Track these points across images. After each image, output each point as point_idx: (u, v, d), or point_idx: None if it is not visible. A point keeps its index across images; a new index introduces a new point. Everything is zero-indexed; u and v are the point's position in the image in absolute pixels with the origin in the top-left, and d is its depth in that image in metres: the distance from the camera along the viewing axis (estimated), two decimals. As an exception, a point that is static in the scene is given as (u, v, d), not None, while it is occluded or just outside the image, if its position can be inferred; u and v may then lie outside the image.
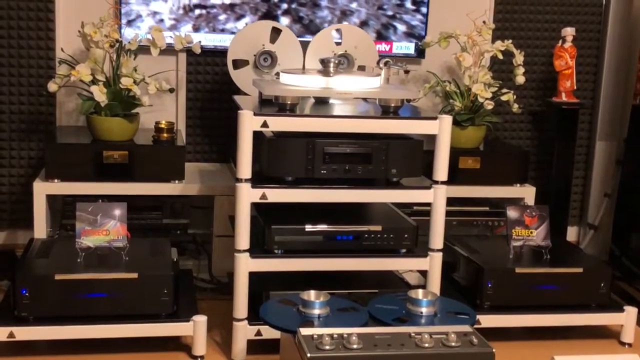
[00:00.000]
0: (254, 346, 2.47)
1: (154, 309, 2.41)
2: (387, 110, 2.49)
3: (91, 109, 2.92)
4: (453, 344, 1.89)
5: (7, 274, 2.86)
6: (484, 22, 3.33)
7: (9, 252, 3.25)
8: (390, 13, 3.37)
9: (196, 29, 3.24)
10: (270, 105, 2.49)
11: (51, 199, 2.95)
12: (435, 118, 2.47)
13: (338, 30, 3.13)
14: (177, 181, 2.96)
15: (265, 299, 2.45)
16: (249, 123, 2.34)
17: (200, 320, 2.43)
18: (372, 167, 2.46)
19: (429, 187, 2.50)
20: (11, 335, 2.33)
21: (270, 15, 3.24)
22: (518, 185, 3.24)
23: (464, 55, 3.19)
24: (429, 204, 2.52)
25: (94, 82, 2.88)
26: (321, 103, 2.66)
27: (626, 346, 2.72)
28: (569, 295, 2.68)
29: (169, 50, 3.10)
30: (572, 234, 3.82)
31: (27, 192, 3.20)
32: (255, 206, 2.53)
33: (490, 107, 3.19)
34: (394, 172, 2.48)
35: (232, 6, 3.23)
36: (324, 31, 3.11)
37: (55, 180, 2.86)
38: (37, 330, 2.35)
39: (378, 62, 2.75)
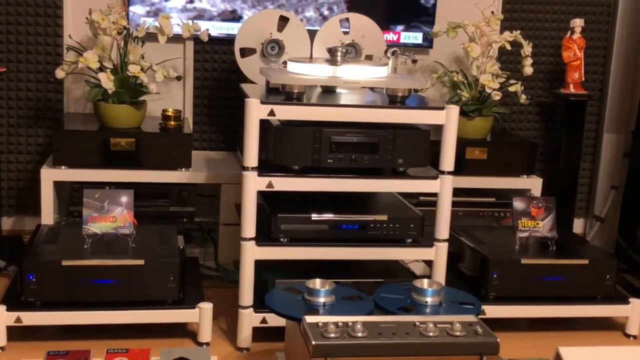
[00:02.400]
0: (259, 334, 2.48)
1: (160, 295, 2.42)
2: (394, 100, 2.49)
3: (98, 96, 2.92)
4: (458, 333, 1.89)
5: (15, 260, 2.88)
6: (493, 12, 3.32)
7: (16, 238, 3.26)
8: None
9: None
10: (278, 93, 2.49)
11: (58, 186, 2.96)
12: (442, 108, 2.46)
13: (346, 20, 3.12)
14: (183, 169, 2.96)
15: (270, 287, 2.46)
16: (255, 111, 2.34)
17: (206, 307, 2.44)
18: (378, 157, 2.45)
19: (435, 177, 2.49)
20: (18, 320, 2.35)
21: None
22: (525, 176, 3.24)
23: (472, 45, 3.18)
24: (435, 194, 2.52)
25: (102, 69, 2.88)
26: (328, 92, 2.66)
27: (631, 338, 2.72)
28: (574, 286, 2.68)
29: (176, 38, 3.09)
30: (578, 226, 3.82)
31: (34, 179, 3.21)
32: (261, 194, 2.53)
33: (497, 97, 3.18)
34: (401, 161, 2.48)
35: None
36: (332, 20, 3.11)
37: (63, 167, 2.87)
38: (43, 316, 2.37)
39: (386, 52, 2.74)
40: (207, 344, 2.46)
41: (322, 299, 2.12)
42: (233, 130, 3.43)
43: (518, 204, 2.77)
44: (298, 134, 2.41)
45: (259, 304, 2.41)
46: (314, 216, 2.47)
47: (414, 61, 2.79)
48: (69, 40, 3.15)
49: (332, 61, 2.51)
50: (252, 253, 2.42)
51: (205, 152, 3.45)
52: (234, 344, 2.49)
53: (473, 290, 2.56)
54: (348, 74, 2.49)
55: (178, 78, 3.09)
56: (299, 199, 2.55)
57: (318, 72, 2.49)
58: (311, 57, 3.04)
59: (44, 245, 2.54)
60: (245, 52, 3.07)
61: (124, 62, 2.93)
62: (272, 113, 2.36)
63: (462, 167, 3.05)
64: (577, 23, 3.39)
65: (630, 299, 2.72)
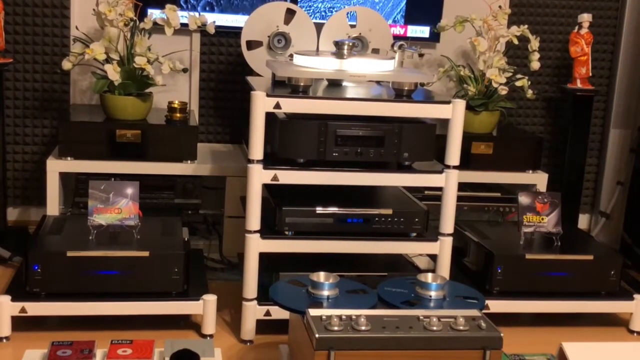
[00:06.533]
0: (263, 326, 2.48)
1: (164, 287, 2.43)
2: (401, 94, 2.48)
3: (105, 88, 2.93)
4: (461, 327, 1.89)
5: (20, 250, 2.89)
6: (500, 6, 3.31)
7: (21, 228, 3.27)
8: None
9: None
10: (283, 86, 2.49)
11: (64, 177, 2.97)
12: (448, 102, 2.46)
13: (352, 13, 3.11)
14: (189, 161, 2.97)
15: (275, 279, 2.46)
16: (261, 104, 2.34)
17: (210, 299, 2.45)
18: (384, 151, 2.45)
19: (440, 172, 2.49)
20: (23, 310, 2.36)
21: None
22: (530, 171, 3.23)
23: (479, 39, 3.17)
24: (440, 189, 2.51)
25: (108, 60, 2.89)
26: (334, 85, 2.66)
27: (635, 334, 2.72)
28: (578, 282, 2.68)
29: (183, 30, 3.09)
30: (583, 221, 3.81)
31: (40, 170, 3.22)
32: (266, 187, 2.53)
33: (504, 92, 3.17)
34: (406, 155, 2.47)
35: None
36: (339, 13, 3.10)
37: (69, 158, 2.88)
38: (48, 306, 2.37)
39: (392, 45, 2.74)
40: (211, 335, 2.47)
41: (326, 292, 2.12)
42: (239, 122, 3.43)
43: (523, 199, 2.76)
44: (304, 127, 2.41)
45: (263, 297, 2.42)
46: (319, 209, 2.48)
47: (421, 55, 2.79)
48: (76, 32, 3.16)
49: (339, 54, 2.51)
50: (256, 246, 2.42)
51: (210, 144, 3.45)
52: (238, 336, 2.49)
53: (477, 284, 2.56)
54: (354, 68, 2.49)
55: (184, 70, 3.09)
56: (304, 192, 2.55)
57: (324, 65, 2.49)
58: (318, 50, 3.03)
59: (49, 236, 2.54)
60: (252, 44, 3.07)
61: (131, 53, 2.93)
62: (277, 106, 2.36)
63: (468, 161, 3.05)
64: (585, 18, 3.38)
65: (635, 295, 2.71)
